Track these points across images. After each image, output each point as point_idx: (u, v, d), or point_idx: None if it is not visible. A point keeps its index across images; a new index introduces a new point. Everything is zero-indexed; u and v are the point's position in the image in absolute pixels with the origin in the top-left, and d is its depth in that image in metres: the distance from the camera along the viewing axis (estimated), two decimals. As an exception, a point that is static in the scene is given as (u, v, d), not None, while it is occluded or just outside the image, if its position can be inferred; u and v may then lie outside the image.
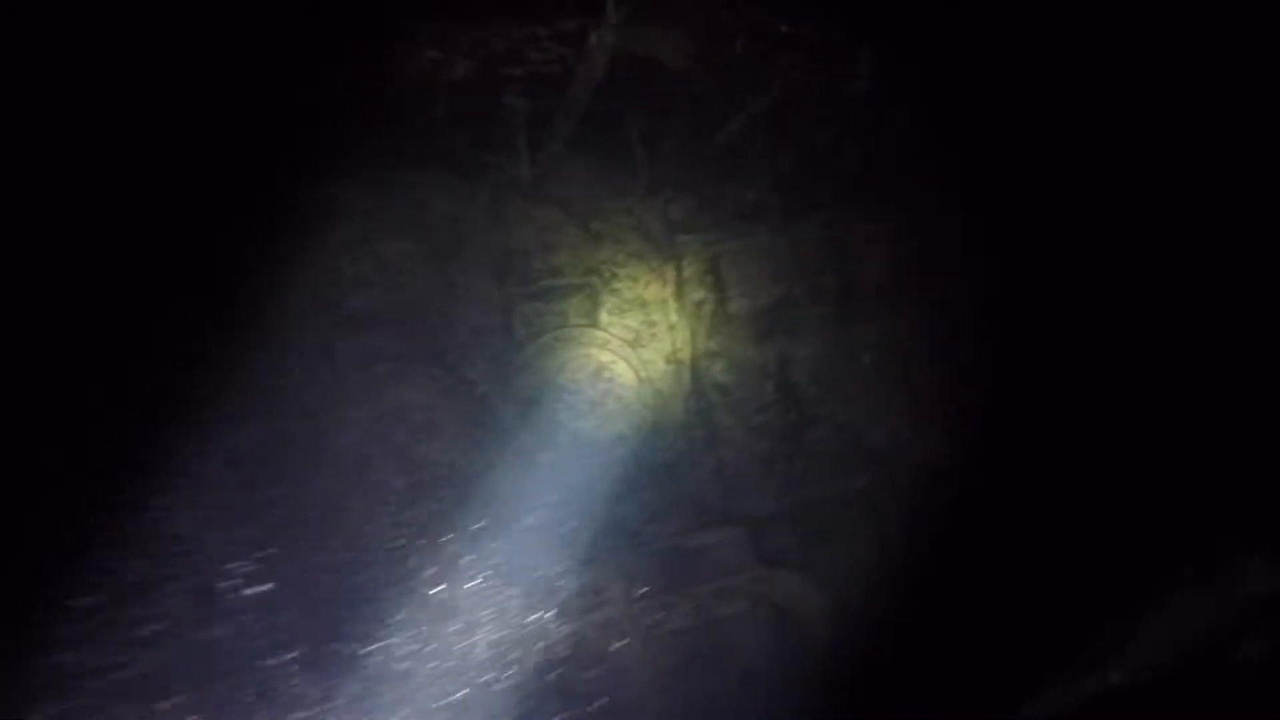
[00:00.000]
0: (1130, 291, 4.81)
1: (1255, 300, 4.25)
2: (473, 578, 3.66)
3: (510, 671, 3.55)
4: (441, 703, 3.48)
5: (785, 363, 4.38)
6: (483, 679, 3.54)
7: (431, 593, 3.60)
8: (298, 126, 3.55)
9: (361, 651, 3.42)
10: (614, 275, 4.23)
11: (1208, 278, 4.55)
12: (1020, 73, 4.08)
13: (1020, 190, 4.76)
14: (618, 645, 3.77)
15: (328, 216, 3.78)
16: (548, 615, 3.67)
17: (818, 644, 4.26)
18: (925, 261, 4.81)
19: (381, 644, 3.51)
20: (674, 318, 4.30)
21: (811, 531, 4.41)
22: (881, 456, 4.56)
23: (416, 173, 3.92)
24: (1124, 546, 4.76)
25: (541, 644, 3.62)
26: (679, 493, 4.15)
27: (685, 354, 4.30)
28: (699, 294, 4.29)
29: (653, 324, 4.26)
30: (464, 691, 3.48)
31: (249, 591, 3.34)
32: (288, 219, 3.67)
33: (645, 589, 3.85)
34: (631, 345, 4.21)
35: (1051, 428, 5.00)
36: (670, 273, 4.29)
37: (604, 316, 4.19)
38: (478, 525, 3.78)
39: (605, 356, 4.07)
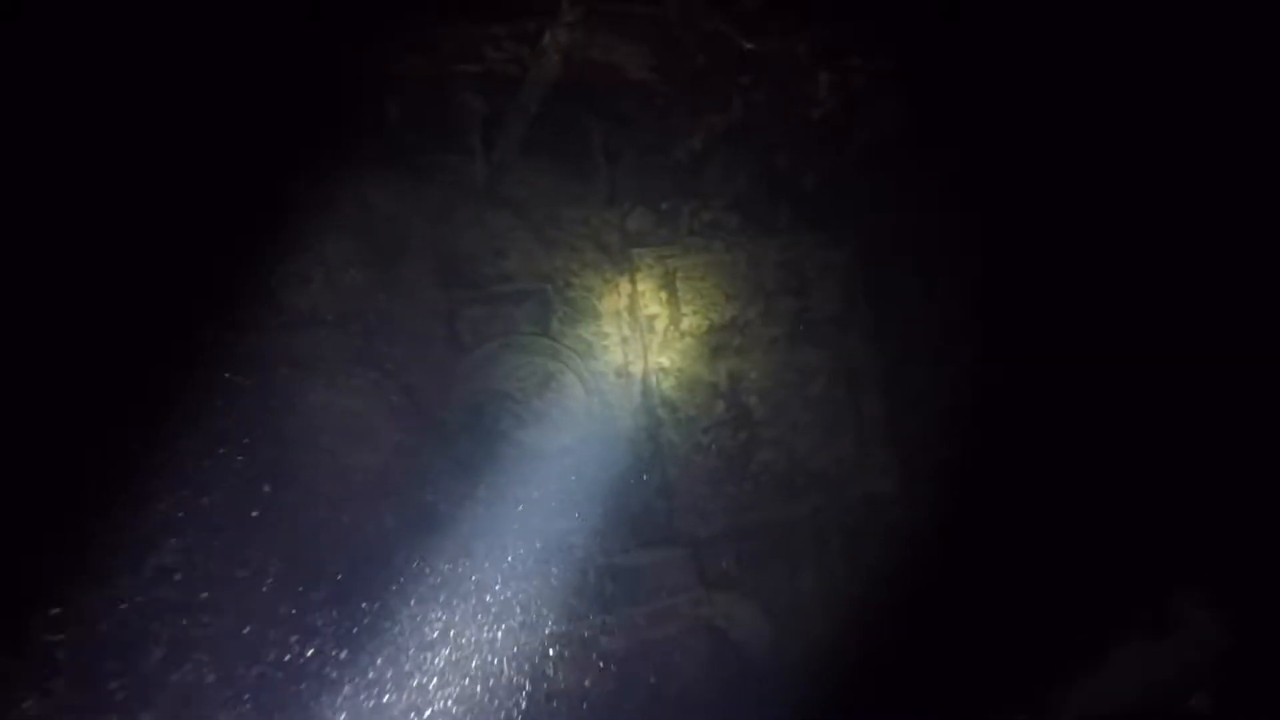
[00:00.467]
0: (1086, 328, 4.86)
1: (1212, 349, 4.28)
2: (403, 590, 3.51)
3: (437, 693, 3.41)
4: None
5: (736, 382, 4.33)
6: (406, 699, 3.39)
7: (361, 605, 3.44)
8: (241, 121, 3.44)
9: (283, 666, 3.24)
10: (567, 284, 4.15)
11: (1163, 323, 4.61)
12: (983, 102, 4.12)
13: (977, 221, 4.81)
14: (550, 667, 3.64)
15: (267, 211, 3.63)
16: (479, 635, 3.53)
17: (758, 669, 4.18)
18: (879, 290, 4.82)
19: (303, 659, 3.34)
20: (626, 331, 4.23)
21: (755, 556, 4.35)
22: (828, 483, 4.53)
23: (363, 170, 3.79)
24: (1074, 591, 4.78)
25: (470, 663, 3.47)
26: (621, 510, 4.05)
27: (636, 368, 4.22)
28: (653, 308, 4.23)
29: (605, 336, 4.19)
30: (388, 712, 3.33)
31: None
32: (225, 213, 3.53)
33: (581, 609, 3.73)
34: (581, 356, 4.12)
35: (1002, 463, 5.02)
36: (625, 285, 4.23)
37: (555, 325, 4.10)
38: (410, 535, 3.65)
39: (553, 366, 3.97)
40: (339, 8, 3.17)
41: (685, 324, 4.24)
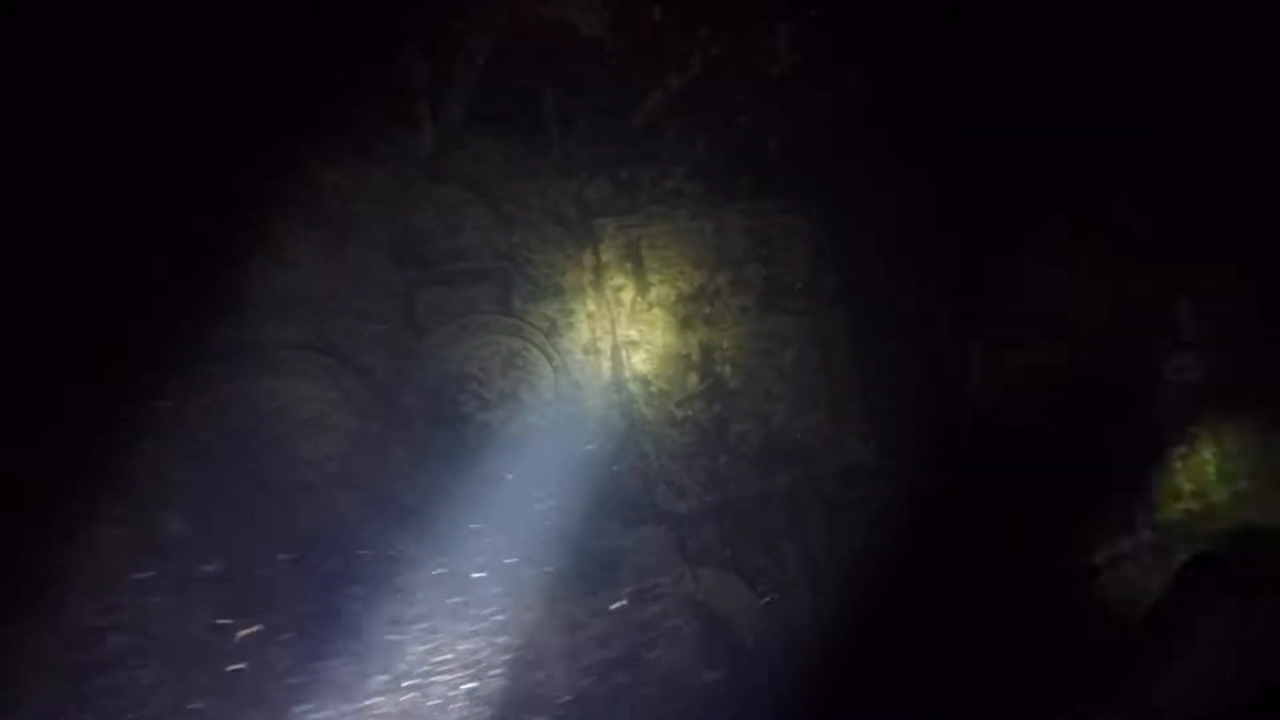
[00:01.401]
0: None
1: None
2: (369, 587, 3.29)
3: (414, 681, 3.20)
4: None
5: (708, 354, 4.19)
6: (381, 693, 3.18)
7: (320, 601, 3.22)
8: (175, 90, 3.19)
9: (233, 667, 3.01)
10: (528, 260, 3.95)
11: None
12: (946, 58, 4.04)
13: (946, 181, 4.76)
14: (533, 654, 3.45)
15: (205, 189, 3.37)
16: (455, 626, 3.32)
17: (744, 645, 4.05)
18: (847, 259, 4.72)
19: (257, 657, 3.11)
20: (592, 306, 4.05)
21: (735, 530, 4.22)
22: (805, 454, 4.41)
23: (305, 143, 3.55)
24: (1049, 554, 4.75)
25: (445, 655, 3.27)
26: (597, 490, 3.88)
27: (605, 344, 4.05)
28: (618, 280, 4.05)
29: (570, 312, 4.00)
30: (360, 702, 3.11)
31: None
32: (161, 189, 3.27)
33: (561, 593, 3.55)
34: (547, 334, 3.93)
35: (975, 426, 4.98)
36: (588, 258, 4.05)
37: (517, 303, 3.90)
38: (375, 529, 3.43)
39: (517, 344, 3.78)
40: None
41: (653, 295, 4.08)
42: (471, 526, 3.55)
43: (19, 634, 2.81)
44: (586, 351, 4.00)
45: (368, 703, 3.20)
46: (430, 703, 3.31)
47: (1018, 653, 4.46)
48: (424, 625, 3.35)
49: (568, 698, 3.52)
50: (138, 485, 3.06)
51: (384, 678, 3.23)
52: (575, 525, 3.72)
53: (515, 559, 3.52)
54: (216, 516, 3.15)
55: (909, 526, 4.69)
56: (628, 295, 4.06)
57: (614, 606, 3.62)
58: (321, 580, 3.22)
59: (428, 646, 3.36)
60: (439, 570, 3.44)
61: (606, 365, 4.03)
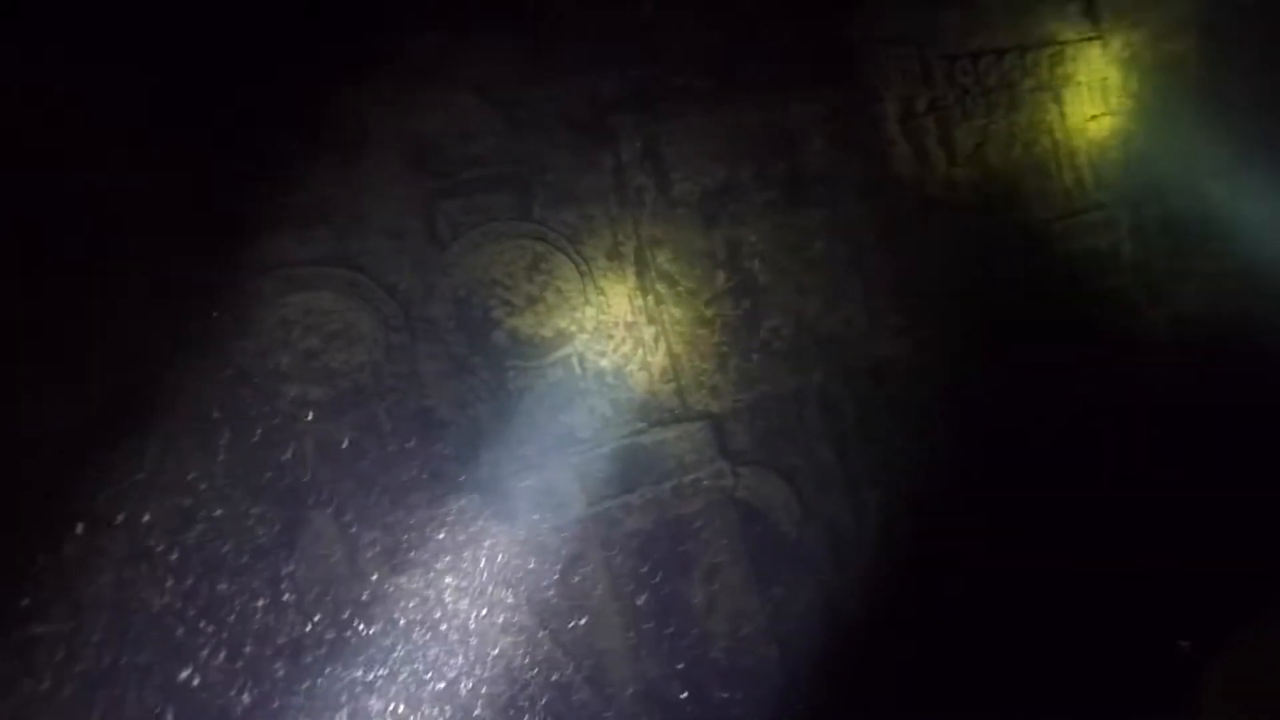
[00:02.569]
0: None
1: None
2: (410, 490, 3.31)
3: (464, 582, 3.24)
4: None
5: (735, 249, 4.10)
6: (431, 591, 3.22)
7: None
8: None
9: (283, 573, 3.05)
10: (543, 165, 3.86)
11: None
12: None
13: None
14: (575, 550, 3.47)
15: (207, 109, 3.30)
16: (496, 526, 3.34)
17: (784, 539, 4.06)
18: (865, 141, 4.57)
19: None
20: (614, 209, 3.96)
21: (770, 429, 4.18)
22: (838, 347, 4.34)
23: (306, 58, 3.45)
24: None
25: (496, 554, 3.30)
26: (630, 394, 3.85)
27: (628, 247, 3.97)
28: (639, 179, 3.95)
29: (591, 218, 3.92)
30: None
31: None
32: (161, 109, 3.20)
33: (600, 492, 3.55)
34: (570, 240, 3.86)
35: (1015, 317, 4.84)
36: (606, 159, 3.94)
37: (537, 211, 3.82)
38: (410, 442, 3.43)
39: (541, 248, 3.71)
40: None
41: (676, 191, 3.98)
42: (507, 434, 3.55)
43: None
44: (610, 257, 3.93)
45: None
46: (478, 608, 3.36)
47: (1060, 553, 4.44)
48: (467, 530, 3.38)
49: (607, 594, 3.55)
50: (170, 409, 3.08)
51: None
52: (608, 430, 3.70)
53: (548, 462, 3.51)
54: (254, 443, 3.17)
55: (944, 425, 4.64)
56: (649, 195, 3.96)
57: (656, 502, 3.60)
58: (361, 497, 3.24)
59: (472, 552, 3.40)
60: (476, 476, 3.45)
61: (631, 269, 3.96)
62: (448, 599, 3.27)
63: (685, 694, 3.72)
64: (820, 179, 4.36)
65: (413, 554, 3.18)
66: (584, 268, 3.83)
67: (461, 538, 3.37)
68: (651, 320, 3.97)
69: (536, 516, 3.38)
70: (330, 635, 3.12)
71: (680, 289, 3.99)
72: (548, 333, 3.67)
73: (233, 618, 3.03)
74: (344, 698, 3.09)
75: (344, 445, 3.33)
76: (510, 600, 3.31)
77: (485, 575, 3.32)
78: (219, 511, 3.05)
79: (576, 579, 3.45)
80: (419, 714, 3.16)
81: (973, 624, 4.23)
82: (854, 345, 4.37)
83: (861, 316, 4.36)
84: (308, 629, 3.11)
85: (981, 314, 4.77)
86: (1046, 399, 4.75)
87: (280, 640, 3.08)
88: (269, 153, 3.36)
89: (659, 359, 3.96)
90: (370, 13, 3.55)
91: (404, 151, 3.63)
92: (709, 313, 4.04)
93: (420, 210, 3.62)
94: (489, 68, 3.80)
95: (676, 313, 3.98)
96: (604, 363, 3.82)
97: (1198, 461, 4.56)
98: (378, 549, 3.18)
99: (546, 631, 3.44)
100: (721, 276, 4.06)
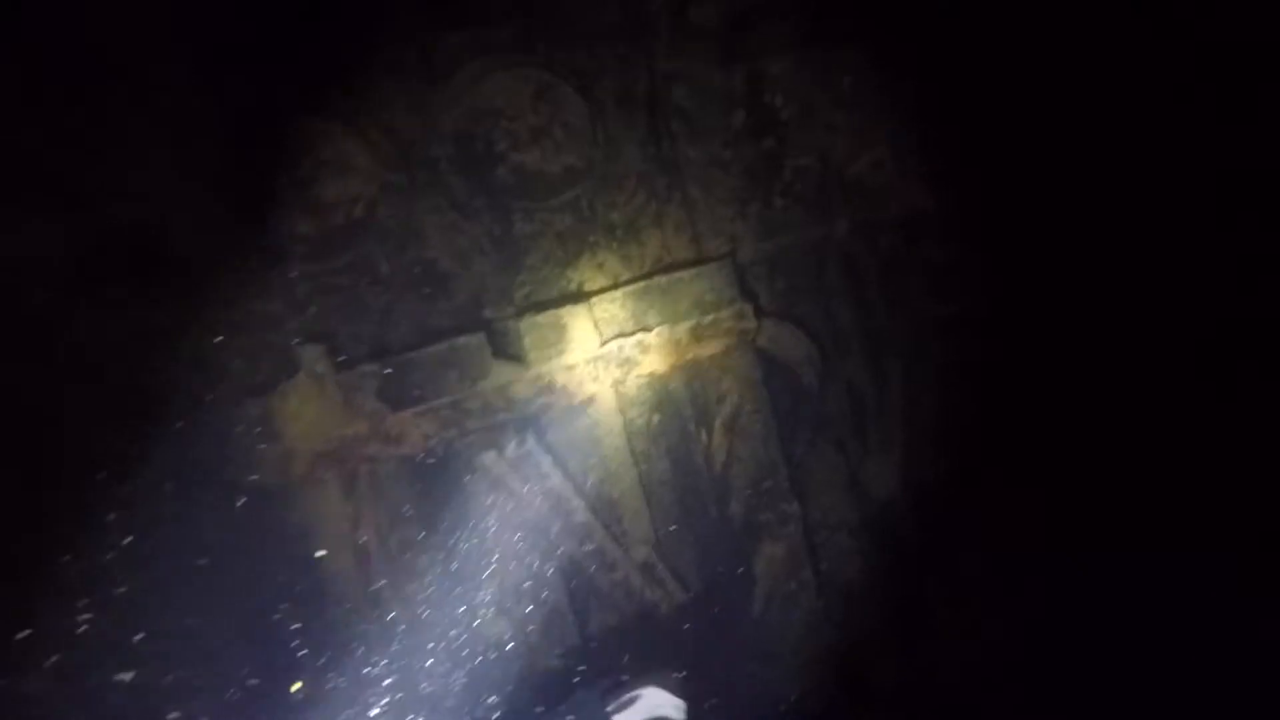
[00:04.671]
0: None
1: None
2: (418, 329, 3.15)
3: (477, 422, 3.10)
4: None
5: (755, 84, 3.79)
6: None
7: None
8: None
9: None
10: (551, 3, 3.54)
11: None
12: None
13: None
14: (589, 391, 3.32)
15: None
16: (502, 363, 3.18)
17: (806, 395, 3.90)
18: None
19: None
20: (624, 47, 3.65)
21: (790, 285, 3.96)
22: (865, 194, 4.06)
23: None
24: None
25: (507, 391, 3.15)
26: (642, 242, 3.63)
27: (640, 86, 3.67)
28: (652, 5, 3.62)
29: (598, 57, 3.61)
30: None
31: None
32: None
33: (612, 332, 3.37)
34: (578, 79, 3.57)
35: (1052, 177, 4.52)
36: (616, -13, 3.61)
37: (542, 48, 3.52)
38: (406, 291, 3.24)
39: (547, 78, 3.43)
40: None
41: (693, 16, 3.65)
42: (510, 276, 3.36)
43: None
44: (620, 103, 3.64)
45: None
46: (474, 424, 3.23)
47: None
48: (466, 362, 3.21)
49: (619, 440, 3.42)
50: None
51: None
52: (619, 274, 3.50)
53: (554, 305, 3.33)
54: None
55: (977, 293, 4.39)
56: (664, 21, 3.63)
57: (673, 342, 3.42)
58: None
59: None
60: (468, 313, 3.27)
61: (642, 110, 3.67)
62: (460, 444, 3.14)
63: (699, 554, 3.62)
64: (850, 14, 4.00)
65: (416, 391, 3.02)
66: (593, 109, 3.56)
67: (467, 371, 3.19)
68: (665, 168, 3.71)
69: (545, 355, 3.19)
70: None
71: (696, 127, 3.71)
72: (555, 168, 3.43)
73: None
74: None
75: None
76: (532, 446, 3.17)
77: (504, 418, 3.17)
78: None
79: (592, 425, 3.31)
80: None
81: (993, 522, 4.10)
82: (883, 193, 4.09)
83: (891, 161, 4.07)
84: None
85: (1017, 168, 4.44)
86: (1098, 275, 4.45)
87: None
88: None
89: (673, 209, 3.72)
90: None
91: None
92: (727, 154, 3.77)
93: (415, 46, 3.34)
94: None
95: (692, 153, 3.72)
96: (614, 215, 3.59)
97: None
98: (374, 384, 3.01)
99: (569, 482, 3.32)
100: (741, 114, 3.77)
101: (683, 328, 3.44)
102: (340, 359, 3.01)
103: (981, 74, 4.27)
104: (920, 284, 4.34)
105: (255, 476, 2.78)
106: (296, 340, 2.97)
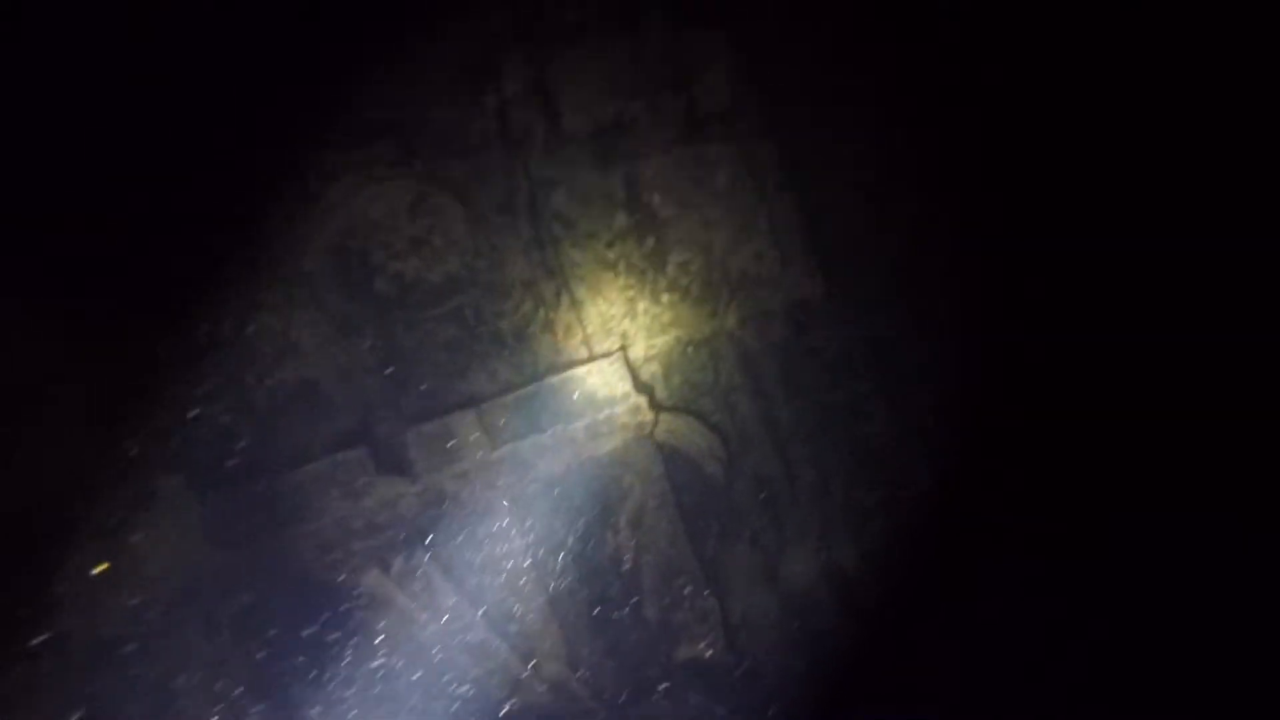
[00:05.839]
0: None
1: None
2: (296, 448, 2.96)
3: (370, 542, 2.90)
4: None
5: (633, 185, 3.89)
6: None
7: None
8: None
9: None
10: (427, 108, 3.60)
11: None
12: None
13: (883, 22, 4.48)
14: (484, 499, 3.17)
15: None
16: (389, 477, 3.02)
17: (713, 485, 3.83)
18: (771, 81, 4.43)
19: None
20: (499, 153, 3.72)
21: (686, 376, 3.95)
22: (750, 287, 4.15)
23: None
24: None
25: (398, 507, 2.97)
26: (532, 349, 3.59)
27: (521, 194, 3.72)
28: (527, 115, 3.72)
29: (477, 167, 3.66)
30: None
31: None
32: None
33: (506, 437, 3.26)
34: (455, 190, 3.59)
35: (929, 255, 4.75)
36: (489, 97, 3.70)
37: (418, 164, 3.56)
38: (296, 412, 3.09)
39: (423, 187, 3.45)
40: None
41: (567, 127, 3.75)
42: (397, 389, 3.24)
43: None
44: (502, 210, 3.68)
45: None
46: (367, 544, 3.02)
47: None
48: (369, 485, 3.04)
49: (516, 546, 3.26)
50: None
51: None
52: (512, 373, 3.43)
53: (451, 409, 3.22)
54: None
55: (870, 374, 4.50)
56: (539, 130, 3.73)
57: (568, 441, 3.33)
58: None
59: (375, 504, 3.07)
60: (370, 434, 3.13)
61: (524, 217, 3.71)
62: (349, 562, 2.93)
63: (616, 664, 3.43)
64: (721, 117, 4.20)
65: (294, 513, 2.82)
66: (472, 224, 3.58)
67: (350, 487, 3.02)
68: (551, 274, 3.72)
69: (434, 465, 3.06)
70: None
71: (579, 231, 3.76)
72: (435, 277, 3.39)
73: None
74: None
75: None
76: (423, 561, 2.98)
77: (392, 534, 2.98)
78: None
79: (488, 535, 3.14)
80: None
81: (923, 590, 4.08)
82: (768, 284, 4.19)
83: (772, 252, 4.19)
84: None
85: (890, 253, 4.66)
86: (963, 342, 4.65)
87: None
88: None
89: (562, 314, 3.71)
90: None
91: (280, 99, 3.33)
92: (611, 254, 3.81)
93: (292, 162, 3.32)
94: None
95: (576, 257, 3.75)
96: (503, 323, 3.56)
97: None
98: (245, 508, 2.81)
99: (464, 598, 3.12)
100: (622, 215, 3.84)
101: (578, 426, 3.38)
102: (207, 487, 2.80)
103: (852, 162, 4.54)
104: (816, 370, 4.41)
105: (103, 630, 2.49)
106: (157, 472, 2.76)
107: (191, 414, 2.93)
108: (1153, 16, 3.95)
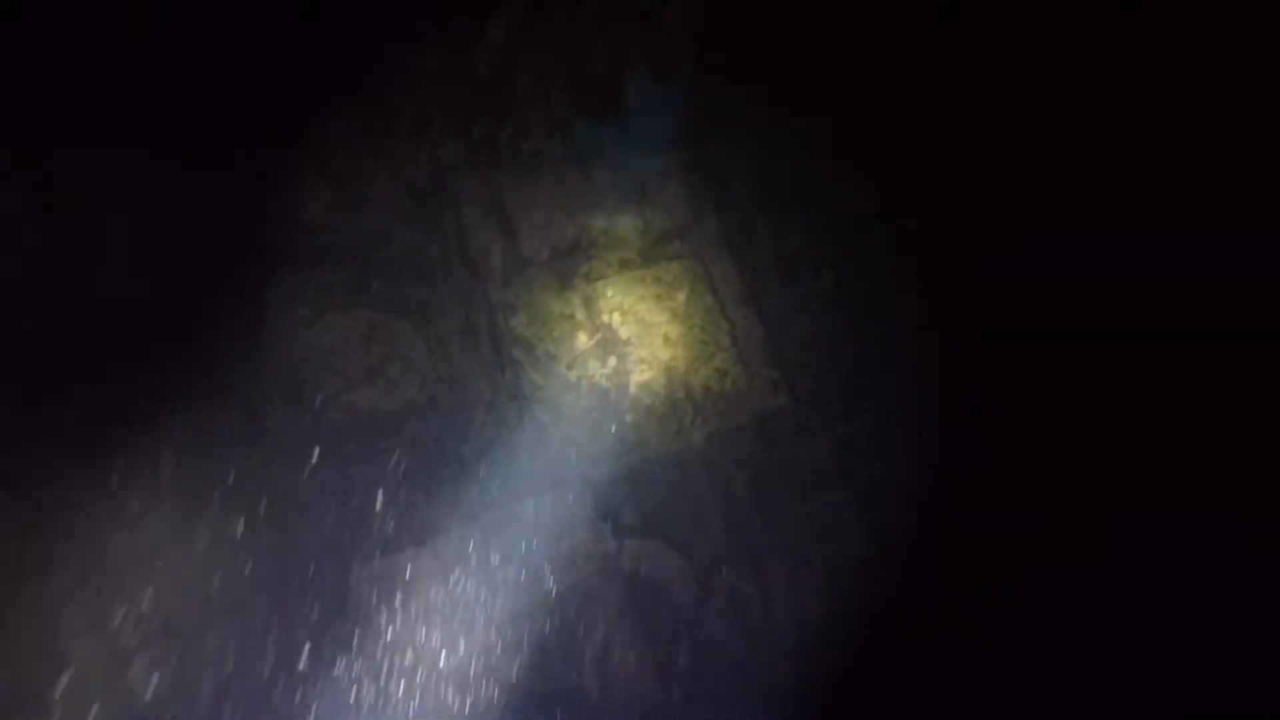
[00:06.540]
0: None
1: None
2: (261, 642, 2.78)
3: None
4: None
5: (592, 306, 3.87)
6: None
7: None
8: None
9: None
10: (385, 240, 3.60)
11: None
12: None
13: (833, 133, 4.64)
14: (440, 633, 2.99)
15: None
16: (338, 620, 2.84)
17: (684, 615, 3.66)
18: (724, 200, 4.53)
19: None
20: (460, 278, 3.71)
21: (655, 498, 3.85)
22: (715, 403, 4.11)
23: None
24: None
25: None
26: (495, 467, 3.48)
27: (480, 319, 3.69)
28: (483, 242, 3.73)
29: (436, 290, 3.64)
30: None
31: None
32: None
33: (457, 571, 3.11)
34: (415, 320, 3.55)
35: (897, 356, 4.76)
36: (448, 224, 3.72)
37: (377, 288, 3.53)
38: (239, 552, 2.94)
39: (378, 317, 3.40)
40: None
41: (525, 250, 3.76)
42: (357, 524, 3.10)
43: None
44: (463, 333, 3.64)
45: None
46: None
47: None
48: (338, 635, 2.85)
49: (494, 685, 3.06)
50: None
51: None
52: (476, 500, 3.31)
53: (414, 539, 3.07)
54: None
55: (843, 486, 4.46)
56: (496, 257, 3.74)
57: (527, 575, 3.18)
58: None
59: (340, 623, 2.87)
60: (336, 571, 2.97)
61: (484, 341, 3.67)
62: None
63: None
64: (677, 235, 4.25)
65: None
66: (432, 343, 3.52)
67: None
68: (513, 396, 3.65)
69: (390, 598, 2.89)
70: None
71: (539, 353, 3.71)
72: (391, 406, 3.29)
73: None
74: None
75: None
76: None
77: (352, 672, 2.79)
78: None
79: (442, 674, 2.95)
80: None
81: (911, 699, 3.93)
82: (732, 399, 4.15)
83: (735, 367, 4.17)
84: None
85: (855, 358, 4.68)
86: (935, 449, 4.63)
87: None
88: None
89: (525, 436, 3.62)
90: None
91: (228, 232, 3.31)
92: (574, 376, 3.76)
93: (248, 291, 3.28)
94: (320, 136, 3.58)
95: (538, 379, 3.69)
96: (465, 450, 3.46)
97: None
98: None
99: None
100: (583, 336, 3.81)
101: (541, 557, 3.23)
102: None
103: (812, 267, 4.60)
104: (788, 483, 4.33)
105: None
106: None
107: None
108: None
